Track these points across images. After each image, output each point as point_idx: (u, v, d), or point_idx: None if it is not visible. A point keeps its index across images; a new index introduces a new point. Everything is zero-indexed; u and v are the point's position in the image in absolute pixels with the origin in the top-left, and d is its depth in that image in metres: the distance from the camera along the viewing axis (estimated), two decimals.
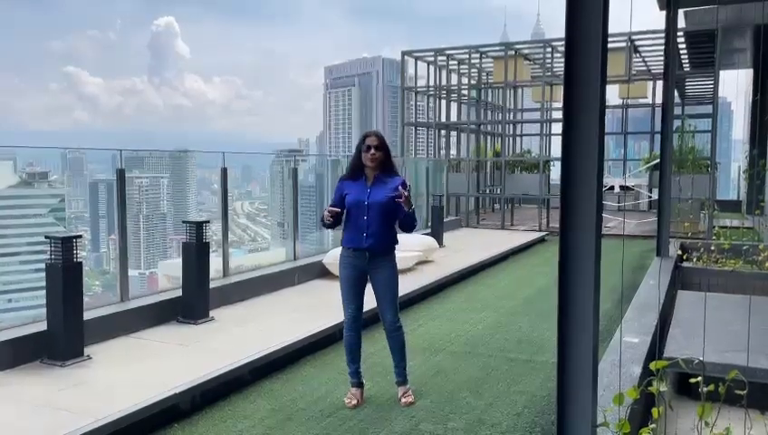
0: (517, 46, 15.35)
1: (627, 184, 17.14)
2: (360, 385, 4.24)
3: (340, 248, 4.26)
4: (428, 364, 4.97)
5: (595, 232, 2.50)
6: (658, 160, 9.38)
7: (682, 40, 13.55)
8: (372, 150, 4.04)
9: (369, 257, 4.06)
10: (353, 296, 4.15)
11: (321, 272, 7.79)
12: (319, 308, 6.26)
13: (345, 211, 4.11)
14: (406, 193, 3.90)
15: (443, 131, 16.80)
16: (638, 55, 15.19)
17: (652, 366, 2.89)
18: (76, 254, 4.60)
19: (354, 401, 4.13)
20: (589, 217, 2.50)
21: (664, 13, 8.41)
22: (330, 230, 4.60)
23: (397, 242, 4.21)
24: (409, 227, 4.10)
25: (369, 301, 4.25)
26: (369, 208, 4.03)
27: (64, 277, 4.52)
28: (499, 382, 4.58)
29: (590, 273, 2.51)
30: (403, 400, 4.20)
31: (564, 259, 2.52)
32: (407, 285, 6.73)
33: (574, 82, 2.58)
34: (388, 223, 4.08)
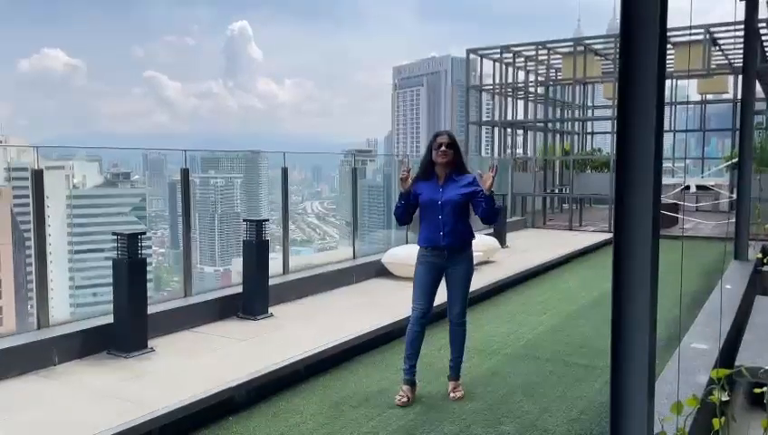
0: (587, 42, 14.90)
1: (704, 183, 16.29)
2: (412, 383, 4.22)
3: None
4: (483, 366, 4.89)
5: (652, 236, 2.37)
6: (737, 159, 8.88)
7: (765, 31, 12.76)
8: (443, 148, 4.12)
9: (448, 255, 4.13)
10: (425, 294, 4.18)
11: (379, 271, 7.81)
12: (374, 307, 6.28)
13: (419, 210, 4.21)
14: (492, 175, 3.99)
15: (509, 130, 16.52)
16: (717, 48, 14.42)
17: (713, 374, 2.72)
18: (141, 250, 4.77)
19: (405, 399, 4.12)
20: (645, 221, 2.38)
21: (743, 2, 7.96)
22: (400, 228, 4.68)
23: (473, 237, 4.27)
24: (491, 215, 4.14)
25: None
26: (444, 207, 4.10)
27: (129, 272, 4.71)
28: (555, 387, 4.45)
29: (647, 277, 2.39)
30: (452, 394, 4.21)
31: (619, 263, 2.41)
32: None
33: (630, 79, 2.46)
34: (463, 219, 4.16)
